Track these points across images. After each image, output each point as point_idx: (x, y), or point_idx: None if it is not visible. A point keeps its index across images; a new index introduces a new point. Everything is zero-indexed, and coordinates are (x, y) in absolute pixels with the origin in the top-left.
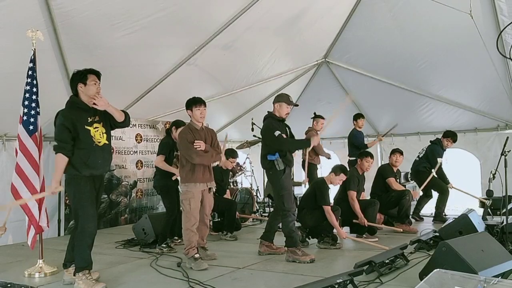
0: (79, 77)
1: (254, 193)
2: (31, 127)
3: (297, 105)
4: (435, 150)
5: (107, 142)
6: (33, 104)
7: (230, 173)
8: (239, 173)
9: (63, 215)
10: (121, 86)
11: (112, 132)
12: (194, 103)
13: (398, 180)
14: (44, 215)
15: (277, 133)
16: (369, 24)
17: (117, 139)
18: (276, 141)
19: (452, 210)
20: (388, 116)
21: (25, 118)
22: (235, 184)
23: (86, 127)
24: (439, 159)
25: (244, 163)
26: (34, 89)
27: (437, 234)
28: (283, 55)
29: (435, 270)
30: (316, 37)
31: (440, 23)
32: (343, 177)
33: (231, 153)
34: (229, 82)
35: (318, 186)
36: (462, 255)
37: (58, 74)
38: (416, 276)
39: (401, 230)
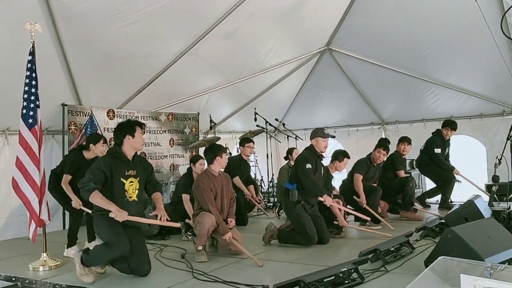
0: (128, 129)
1: (258, 183)
2: (30, 120)
3: (333, 137)
4: (432, 141)
5: (136, 200)
6: (33, 97)
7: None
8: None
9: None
10: (122, 78)
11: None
12: (219, 150)
13: (405, 167)
14: (45, 208)
15: (308, 165)
16: (371, 10)
17: None
18: (302, 172)
19: (458, 196)
20: (393, 103)
21: (24, 111)
22: None
23: (121, 179)
24: (436, 150)
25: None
26: (33, 82)
27: (443, 221)
28: (285, 43)
29: (441, 257)
30: (319, 24)
31: (444, 8)
32: (346, 160)
33: (245, 140)
34: (231, 72)
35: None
36: (468, 242)
37: (58, 67)
38: (421, 263)
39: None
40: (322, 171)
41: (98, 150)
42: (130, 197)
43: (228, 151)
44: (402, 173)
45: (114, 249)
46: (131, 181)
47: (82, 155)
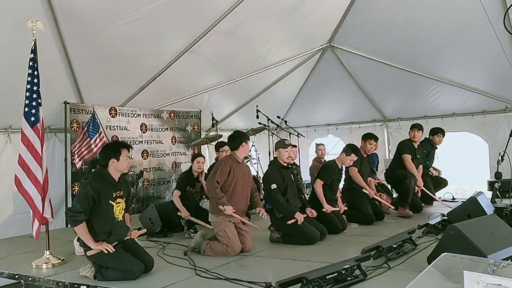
0: (112, 152)
1: (261, 181)
2: (32, 118)
3: (295, 146)
4: (421, 147)
5: (121, 219)
6: (35, 95)
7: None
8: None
9: (70, 206)
10: (124, 76)
11: (117, 122)
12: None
13: (418, 156)
14: (48, 206)
15: (273, 186)
16: (373, 7)
17: (122, 129)
18: (269, 194)
19: (461, 193)
20: (395, 100)
21: (26, 109)
22: None
23: (110, 201)
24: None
25: (250, 151)
26: (35, 80)
27: (446, 218)
28: (287, 40)
29: (443, 254)
30: (320, 21)
31: (446, 4)
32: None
33: (220, 144)
34: (233, 70)
35: (323, 166)
36: (471, 238)
37: (59, 64)
38: (424, 260)
39: None
40: (293, 178)
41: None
42: (117, 217)
43: None
44: (407, 158)
45: (131, 272)
46: (118, 202)
47: None
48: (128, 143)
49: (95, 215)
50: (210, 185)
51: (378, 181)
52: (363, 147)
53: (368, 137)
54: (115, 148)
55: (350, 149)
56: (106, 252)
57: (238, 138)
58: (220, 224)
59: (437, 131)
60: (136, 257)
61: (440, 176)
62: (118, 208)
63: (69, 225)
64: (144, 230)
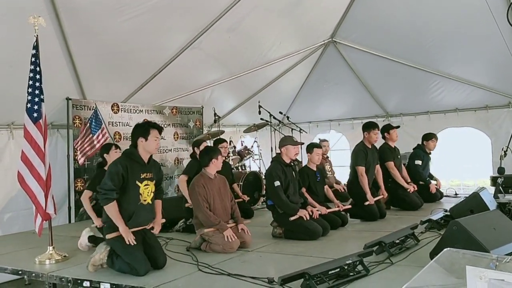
0: (142, 131)
1: (263, 177)
2: (35, 115)
3: (302, 143)
4: (414, 155)
5: (150, 203)
6: (37, 91)
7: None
8: (247, 156)
9: (73, 202)
10: (126, 72)
11: (119, 118)
12: (215, 153)
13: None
14: (51, 202)
15: (276, 183)
16: (376, 1)
17: (124, 125)
18: (272, 191)
19: (463, 189)
20: (397, 95)
21: (29, 105)
22: (243, 168)
23: (137, 182)
24: (416, 161)
25: (252, 146)
26: (38, 76)
27: (448, 213)
28: (289, 36)
29: (446, 249)
30: (322, 16)
31: None
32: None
33: (218, 141)
34: (234, 65)
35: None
36: (474, 234)
37: (62, 60)
38: (426, 255)
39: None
40: (295, 175)
41: (114, 157)
42: (145, 200)
43: (232, 145)
44: (391, 165)
45: (136, 271)
46: (147, 184)
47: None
48: (160, 125)
49: (122, 199)
50: (203, 215)
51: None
52: (367, 138)
53: (372, 126)
54: (145, 127)
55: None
56: (127, 242)
57: (207, 155)
58: (209, 233)
59: (431, 136)
60: (150, 254)
61: (439, 189)
62: (146, 191)
63: (72, 221)
64: (163, 220)
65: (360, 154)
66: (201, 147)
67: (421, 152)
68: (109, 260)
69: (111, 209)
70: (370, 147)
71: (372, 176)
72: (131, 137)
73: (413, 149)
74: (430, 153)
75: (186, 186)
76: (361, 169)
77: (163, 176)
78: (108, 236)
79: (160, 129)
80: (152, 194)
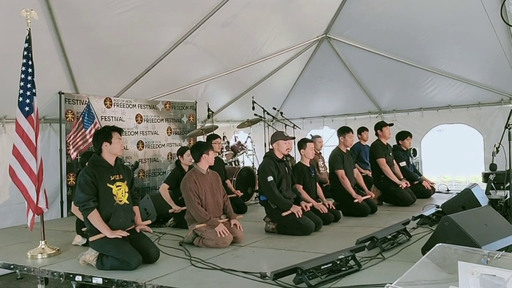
0: (104, 136)
1: (256, 172)
2: (27, 108)
3: (293, 138)
4: (396, 157)
5: (127, 202)
6: (29, 85)
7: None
8: (241, 152)
9: (65, 197)
10: (119, 66)
11: (112, 113)
12: (206, 148)
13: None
14: (43, 196)
15: (269, 178)
16: None
17: (117, 120)
18: (266, 186)
19: (455, 185)
20: (391, 92)
21: (21, 99)
22: (237, 163)
23: (108, 185)
24: (401, 163)
25: (246, 142)
26: (30, 70)
27: (440, 209)
28: (283, 31)
29: (438, 244)
30: (317, 12)
31: None
32: (310, 145)
33: (212, 137)
34: (228, 60)
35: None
36: (465, 229)
37: (54, 54)
38: (418, 251)
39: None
40: (287, 171)
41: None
42: (120, 200)
43: (226, 140)
44: (383, 162)
45: (128, 264)
46: (119, 185)
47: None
48: (119, 127)
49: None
50: (194, 211)
51: (363, 173)
52: (343, 142)
53: (346, 130)
54: (106, 131)
55: (345, 130)
56: (120, 237)
57: (198, 150)
58: (202, 228)
59: (406, 135)
60: (141, 249)
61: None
62: (120, 191)
63: (64, 215)
64: (149, 222)
65: (337, 158)
66: (185, 156)
67: (400, 152)
68: (98, 262)
69: (94, 218)
70: (345, 151)
71: (352, 181)
72: (93, 145)
73: (393, 150)
74: (407, 150)
75: (168, 194)
76: (341, 172)
77: (134, 179)
78: (92, 239)
79: (120, 131)
80: (127, 194)
